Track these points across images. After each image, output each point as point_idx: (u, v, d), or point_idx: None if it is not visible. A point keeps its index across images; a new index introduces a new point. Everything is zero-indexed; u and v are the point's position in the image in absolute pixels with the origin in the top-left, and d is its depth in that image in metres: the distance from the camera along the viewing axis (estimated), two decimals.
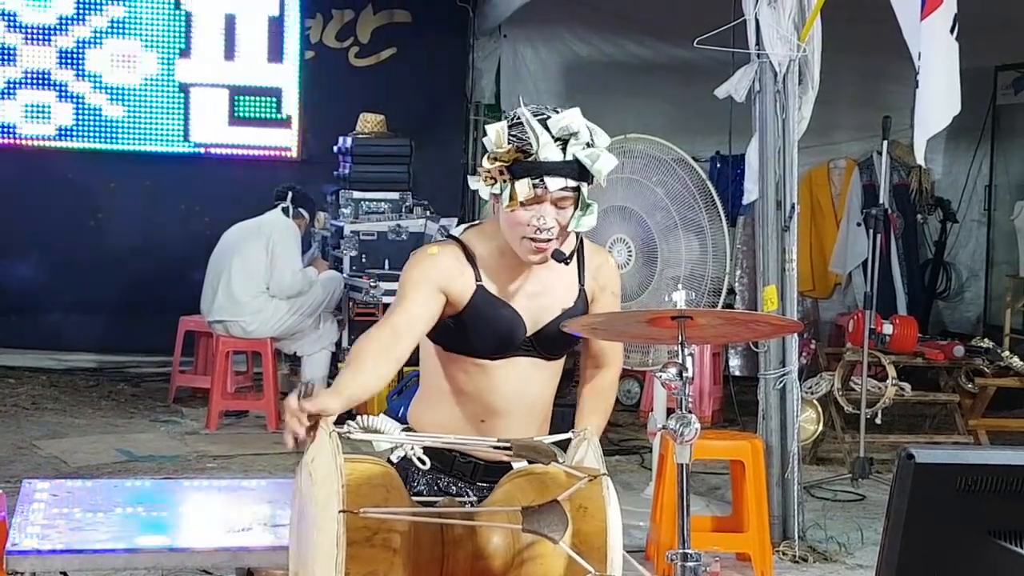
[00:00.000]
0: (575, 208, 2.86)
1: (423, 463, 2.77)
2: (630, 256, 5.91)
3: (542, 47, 9.92)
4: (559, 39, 9.92)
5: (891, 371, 6.98)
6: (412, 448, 2.75)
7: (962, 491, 1.79)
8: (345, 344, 7.91)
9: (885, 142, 6.83)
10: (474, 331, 2.92)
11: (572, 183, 2.83)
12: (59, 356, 9.08)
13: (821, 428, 6.79)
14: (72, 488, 4.18)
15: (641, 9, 9.39)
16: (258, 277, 7.60)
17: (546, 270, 2.95)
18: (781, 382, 5.59)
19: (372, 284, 7.67)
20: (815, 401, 6.86)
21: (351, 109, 8.58)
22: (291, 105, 9.27)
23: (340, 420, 2.67)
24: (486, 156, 2.87)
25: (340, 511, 2.44)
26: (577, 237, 3.02)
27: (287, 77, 9.28)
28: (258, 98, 9.26)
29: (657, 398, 5.99)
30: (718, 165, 9.44)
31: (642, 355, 5.90)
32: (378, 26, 9.64)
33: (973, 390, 7.52)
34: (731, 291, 7.77)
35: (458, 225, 3.33)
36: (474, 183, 2.92)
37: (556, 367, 3.05)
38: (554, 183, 2.81)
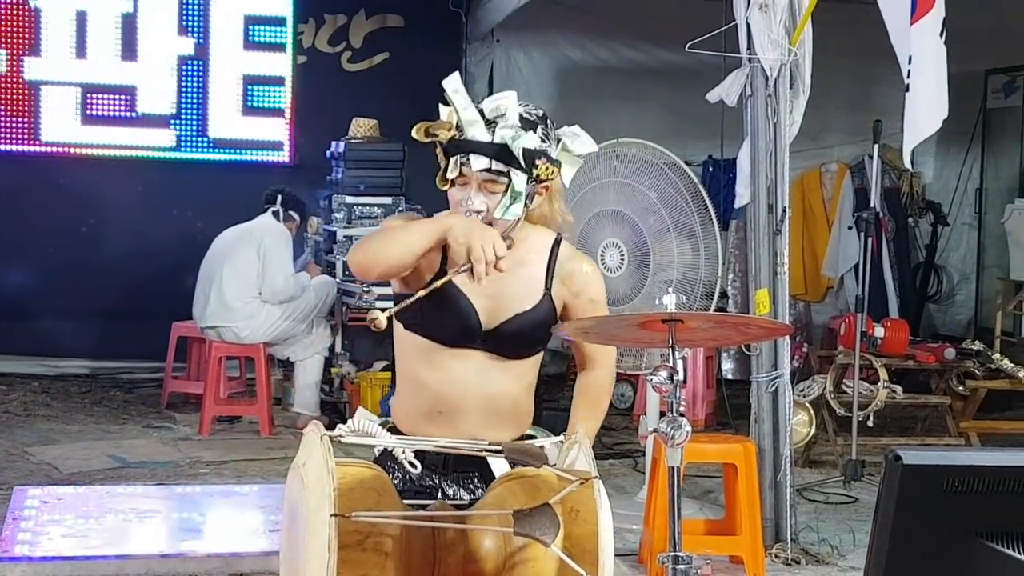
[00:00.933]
0: (504, 195, 2.87)
1: (414, 467, 2.78)
2: (622, 260, 5.92)
3: (535, 52, 9.93)
4: (552, 44, 9.93)
5: (883, 374, 6.99)
6: (404, 452, 2.76)
7: (949, 492, 1.79)
8: (338, 349, 7.91)
9: (876, 146, 6.85)
10: (433, 314, 2.93)
11: (499, 166, 2.84)
12: (51, 362, 9.06)
13: (813, 431, 6.79)
14: (64, 495, 4.19)
15: (633, 14, 9.40)
16: (250, 282, 7.59)
17: (507, 271, 2.93)
18: (773, 385, 5.60)
19: (365, 289, 7.67)
20: (807, 404, 6.87)
21: (344, 114, 8.58)
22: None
23: (331, 425, 2.68)
24: (418, 127, 2.89)
25: (332, 515, 2.44)
26: (554, 239, 3.02)
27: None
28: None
29: (650, 402, 5.99)
30: (710, 169, 9.45)
31: (635, 359, 5.91)
32: (371, 31, 9.64)
33: (964, 392, 7.53)
34: (723, 295, 7.77)
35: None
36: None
37: (523, 367, 3.03)
38: (477, 162, 2.84)
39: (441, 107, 2.88)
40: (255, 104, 9.24)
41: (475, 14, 9.54)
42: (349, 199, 8.19)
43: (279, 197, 7.83)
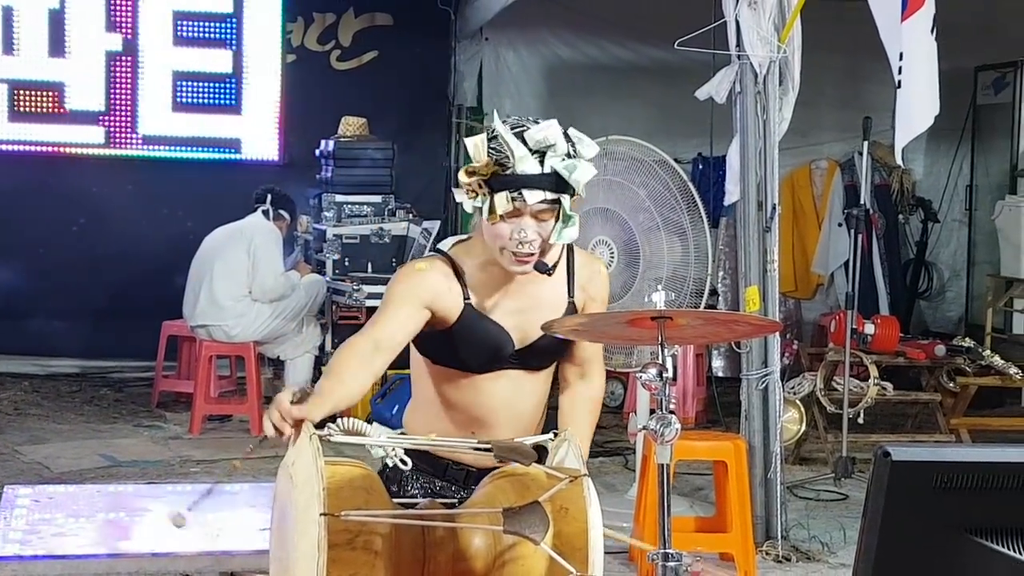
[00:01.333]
0: (556, 220, 2.86)
1: (405, 464, 2.78)
2: (612, 258, 5.92)
3: (524, 50, 9.93)
4: (541, 42, 9.93)
5: (873, 371, 7.00)
6: (393, 450, 2.76)
7: (939, 488, 1.80)
8: (328, 348, 7.90)
9: (866, 143, 6.85)
10: (462, 346, 2.93)
11: (551, 195, 2.82)
12: (41, 362, 9.05)
13: (804, 428, 6.80)
14: (54, 494, 4.18)
15: (622, 11, 9.41)
16: (240, 281, 7.59)
17: (533, 284, 2.95)
18: (764, 382, 5.60)
19: (355, 287, 7.67)
20: (798, 401, 6.87)
21: (333, 112, 8.58)
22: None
23: (321, 423, 2.67)
24: (463, 169, 2.86)
25: (321, 514, 2.44)
26: (565, 247, 3.02)
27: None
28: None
29: (640, 399, 5.99)
30: (700, 166, 9.46)
31: (625, 356, 5.91)
32: (360, 29, 9.63)
33: (955, 389, 7.54)
34: (713, 292, 7.78)
35: (440, 231, 3.35)
36: (459, 196, 2.91)
37: (545, 376, 3.07)
38: (532, 196, 2.81)
39: (469, 143, 2.85)
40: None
41: (464, 12, 9.54)
42: (339, 197, 8.19)
43: (269, 196, 7.83)
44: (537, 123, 2.86)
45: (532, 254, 2.86)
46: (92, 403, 8.39)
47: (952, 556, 1.81)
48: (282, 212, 7.87)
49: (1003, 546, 1.81)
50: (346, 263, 8.01)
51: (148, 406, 8.25)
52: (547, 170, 2.81)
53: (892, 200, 10.01)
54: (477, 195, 2.83)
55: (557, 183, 2.82)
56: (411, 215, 8.25)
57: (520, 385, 2.99)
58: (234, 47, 9.14)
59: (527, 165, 2.80)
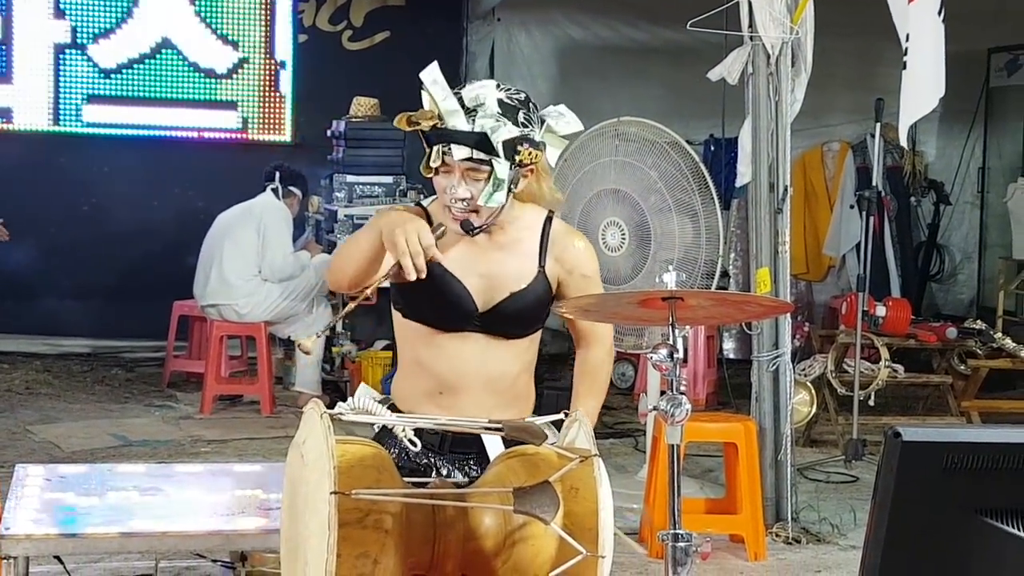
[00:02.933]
0: (487, 182, 2.87)
1: (414, 444, 2.78)
2: (623, 239, 5.91)
3: (536, 30, 9.90)
4: (553, 22, 9.90)
5: (884, 353, 6.99)
6: (404, 430, 2.76)
7: (949, 469, 1.79)
8: (339, 328, 7.91)
9: (878, 124, 6.82)
10: (426, 300, 2.95)
11: (479, 154, 2.84)
12: (53, 341, 9.08)
13: (814, 410, 6.80)
14: (66, 473, 4.19)
15: None
16: (250, 260, 7.60)
17: (501, 250, 2.96)
18: (774, 364, 5.60)
19: None
20: (808, 383, 6.87)
21: (345, 93, 8.57)
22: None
23: (332, 403, 2.68)
24: (405, 117, 2.88)
25: (332, 492, 2.45)
26: (546, 218, 3.03)
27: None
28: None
29: (650, 380, 5.99)
30: (712, 148, 9.43)
31: (636, 338, 5.91)
32: (371, 9, 9.62)
33: (966, 372, 7.53)
34: (725, 274, 7.76)
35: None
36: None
37: (520, 347, 3.03)
38: (459, 151, 2.84)
39: (423, 95, 2.89)
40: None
41: None
42: (350, 178, 8.18)
43: (278, 174, 7.81)
44: (526, 99, 2.90)
45: (464, 211, 2.89)
46: (103, 383, 8.42)
47: (962, 536, 1.81)
48: (292, 189, 7.87)
49: (1013, 526, 1.81)
50: None
51: (159, 386, 8.27)
52: (477, 129, 2.84)
53: (904, 182, 9.97)
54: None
55: (487, 145, 2.84)
56: (422, 195, 8.24)
57: (487, 351, 2.97)
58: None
59: (456, 120, 2.84)
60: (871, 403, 6.91)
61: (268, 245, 7.58)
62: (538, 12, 9.81)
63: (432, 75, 2.88)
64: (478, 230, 2.93)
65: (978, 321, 7.86)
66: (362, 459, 2.63)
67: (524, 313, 2.97)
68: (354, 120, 8.32)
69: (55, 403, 7.78)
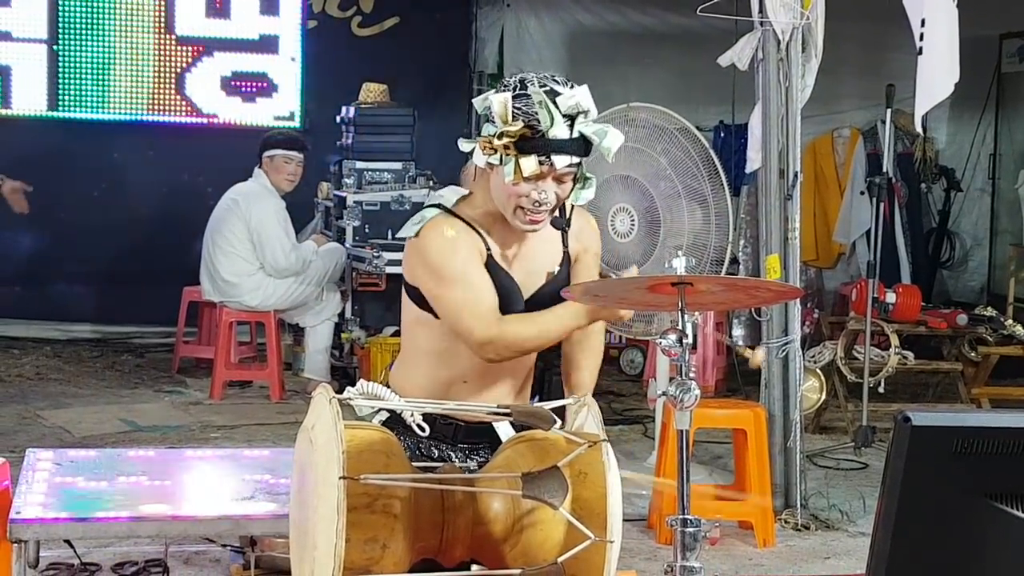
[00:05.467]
0: (575, 182, 2.88)
1: (423, 430, 2.79)
2: (633, 225, 5.90)
3: (545, 16, 9.88)
4: (562, 8, 9.88)
5: (894, 340, 6.98)
6: (412, 415, 2.76)
7: (958, 454, 1.79)
8: (348, 315, 7.91)
9: (889, 111, 6.81)
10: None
11: (577, 159, 2.84)
12: (63, 327, 9.09)
13: (824, 397, 6.78)
14: (75, 457, 4.20)
15: None
16: (246, 257, 7.51)
17: (533, 237, 2.96)
18: (784, 351, 5.59)
19: (375, 254, 7.65)
20: (818, 370, 6.85)
21: (354, 79, 8.56)
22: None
23: (340, 387, 2.68)
24: (489, 128, 2.83)
25: (340, 477, 2.45)
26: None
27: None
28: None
29: (659, 366, 5.99)
30: (722, 134, 9.41)
31: (645, 324, 5.90)
32: None
33: (976, 359, 7.52)
34: (734, 260, 7.75)
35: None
36: (466, 145, 2.90)
37: None
38: (561, 161, 2.82)
39: (494, 97, 2.82)
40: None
41: None
42: (359, 164, 8.17)
43: (260, 158, 7.65)
44: (566, 84, 2.85)
45: (546, 212, 2.87)
46: (113, 368, 8.43)
47: (971, 521, 1.81)
48: (271, 153, 7.55)
49: (1022, 511, 1.80)
50: (366, 230, 8.00)
51: (169, 371, 8.29)
52: (575, 135, 2.82)
53: (915, 169, 9.95)
54: (496, 152, 2.82)
55: (586, 148, 2.84)
56: (431, 182, 8.24)
57: None
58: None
59: (559, 131, 2.80)
60: (881, 390, 6.90)
61: (264, 245, 7.48)
62: None
63: (532, 90, 2.82)
64: (561, 223, 2.97)
65: (988, 308, 7.84)
66: (371, 444, 2.63)
67: (557, 293, 2.98)
68: (364, 106, 8.31)
69: (65, 388, 7.80)
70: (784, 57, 5.57)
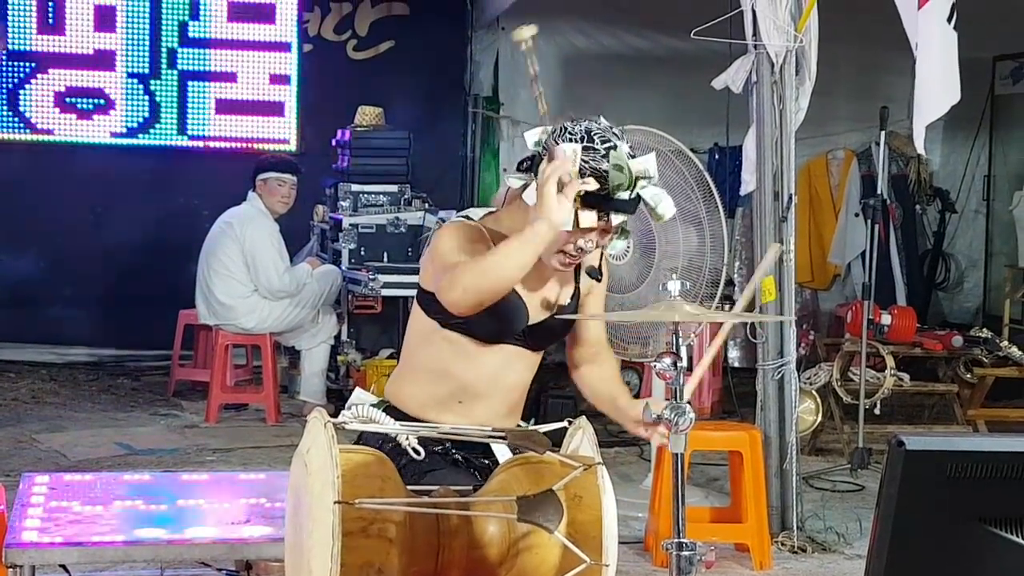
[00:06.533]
0: (614, 232, 2.95)
1: (418, 453, 2.79)
2: (628, 247, 5.90)
3: (540, 39, 9.81)
4: (557, 31, 9.90)
5: (890, 361, 6.98)
6: (407, 439, 2.76)
7: (953, 478, 1.79)
8: (344, 337, 7.91)
9: (883, 132, 6.83)
10: (484, 313, 2.92)
11: (627, 218, 2.93)
12: (59, 350, 9.08)
13: (820, 419, 6.79)
14: (71, 481, 4.19)
15: (638, 0, 9.39)
16: (239, 279, 7.53)
17: (551, 271, 3.02)
18: (779, 373, 5.59)
19: (371, 277, 7.66)
20: (814, 392, 6.86)
21: (349, 102, 8.58)
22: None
23: (335, 412, 2.68)
24: (579, 193, 2.82)
25: (335, 502, 2.45)
26: None
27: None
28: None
29: (655, 389, 5.99)
30: (716, 156, 9.43)
31: (641, 346, 5.90)
32: (376, 19, 9.63)
33: (972, 380, 7.52)
34: (729, 282, 7.75)
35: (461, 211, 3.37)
36: (516, 181, 2.93)
37: (537, 358, 3.14)
38: (617, 219, 2.91)
39: (561, 148, 2.85)
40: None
41: (480, 2, 9.53)
42: (355, 187, 8.18)
43: (254, 181, 7.67)
44: (618, 135, 2.91)
45: (577, 259, 2.95)
46: (109, 391, 8.42)
47: (966, 545, 1.81)
48: (264, 176, 7.58)
49: (1017, 535, 1.80)
50: (362, 252, 8.01)
51: (164, 395, 8.28)
52: (634, 195, 2.89)
53: (909, 190, 9.97)
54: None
55: (635, 207, 2.92)
56: (427, 205, 8.25)
57: (515, 361, 3.05)
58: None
59: (623, 192, 2.87)
60: (876, 412, 6.90)
61: (258, 267, 7.49)
62: (542, 21, 9.74)
63: (621, 159, 2.86)
64: (598, 277, 3.04)
65: (984, 329, 7.85)
66: (366, 467, 2.63)
67: (563, 329, 3.07)
68: (359, 129, 8.32)
69: (61, 412, 7.79)
70: (778, 80, 5.58)
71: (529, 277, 2.97)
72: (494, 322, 2.97)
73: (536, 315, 3.02)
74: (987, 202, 10.19)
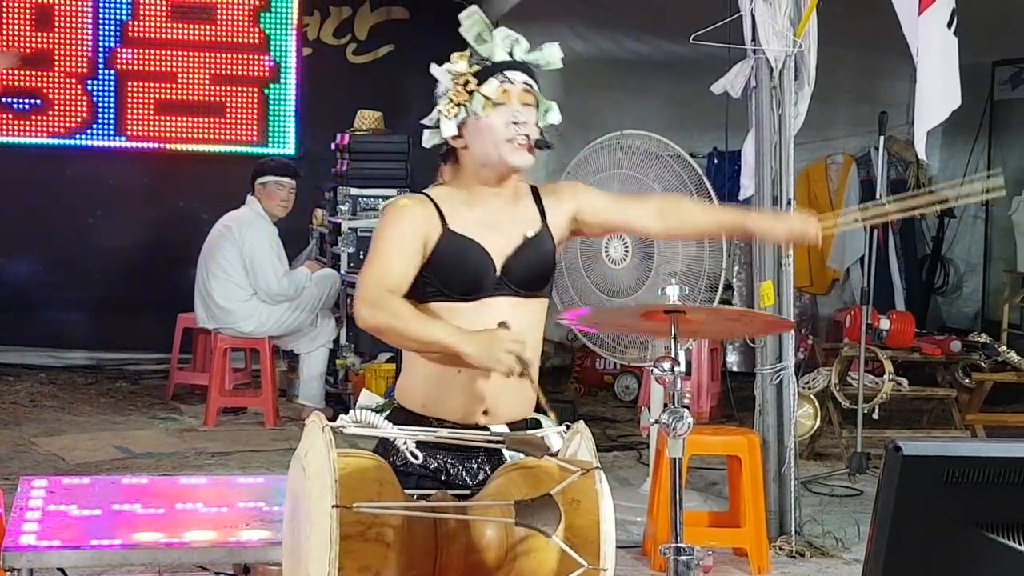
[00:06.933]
0: (537, 108, 3.05)
1: (415, 457, 2.79)
2: (627, 252, 5.91)
3: (539, 43, 9.90)
4: (556, 35, 9.87)
5: (888, 366, 6.98)
6: (405, 443, 2.76)
7: (950, 483, 1.79)
8: (343, 341, 7.91)
9: (882, 137, 6.83)
10: (444, 272, 2.96)
11: (531, 80, 3.05)
12: (57, 354, 9.08)
13: (818, 423, 6.79)
14: (69, 485, 4.19)
15: (638, 5, 9.39)
16: (238, 283, 7.53)
17: (507, 204, 3.05)
18: (778, 377, 5.59)
19: None
20: (812, 396, 6.86)
21: (349, 106, 8.58)
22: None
23: (334, 416, 2.68)
24: (450, 93, 3.07)
25: (333, 506, 2.45)
26: (530, 188, 3.14)
27: None
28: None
29: (653, 394, 5.99)
30: (715, 161, 9.44)
31: (640, 350, 5.91)
32: (376, 23, 9.64)
33: (970, 385, 7.52)
34: (728, 287, 7.76)
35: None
36: (431, 138, 3.12)
37: (538, 306, 3.05)
38: (517, 76, 3.03)
39: (454, 56, 3.10)
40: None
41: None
42: (354, 191, 8.18)
43: (253, 185, 7.68)
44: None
45: (528, 136, 3.00)
46: (107, 395, 8.42)
47: (962, 550, 1.81)
48: (263, 180, 7.59)
49: (1014, 540, 1.81)
50: (361, 256, 7.99)
51: (163, 398, 8.28)
52: (519, 59, 3.06)
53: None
54: (459, 107, 3.02)
55: (531, 71, 3.07)
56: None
57: (508, 312, 2.95)
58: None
59: (501, 54, 3.05)
60: (875, 416, 6.90)
61: (256, 271, 7.50)
62: (542, 25, 9.80)
63: (473, 28, 3.08)
64: (548, 144, 3.06)
65: (982, 334, 7.85)
66: (364, 471, 2.63)
67: (541, 261, 3.03)
68: (358, 133, 8.33)
69: (59, 415, 7.79)
70: (777, 85, 5.59)
71: (478, 221, 3.00)
72: (463, 276, 2.96)
73: (502, 254, 2.98)
74: (986, 207, 10.19)
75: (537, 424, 2.99)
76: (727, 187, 8.02)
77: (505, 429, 2.90)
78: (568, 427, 2.87)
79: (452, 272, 2.95)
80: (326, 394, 7.88)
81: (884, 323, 7.22)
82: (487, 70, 3.03)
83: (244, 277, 7.55)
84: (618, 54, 9.91)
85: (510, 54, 3.05)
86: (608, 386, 8.77)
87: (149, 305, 8.79)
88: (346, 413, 2.80)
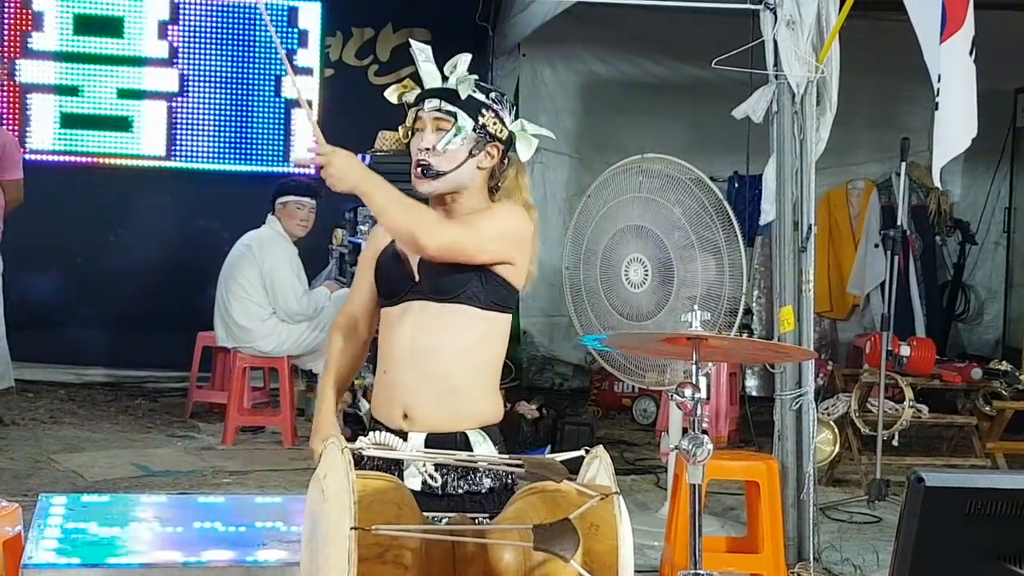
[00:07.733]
0: (449, 132, 3.12)
1: (434, 480, 2.79)
2: (646, 275, 5.91)
3: (560, 66, 9.93)
4: (577, 58, 9.93)
5: (908, 393, 6.95)
6: (424, 466, 2.76)
7: (972, 515, 1.79)
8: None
9: (903, 163, 6.82)
10: (377, 273, 3.21)
11: (448, 107, 3.10)
12: (77, 370, 9.11)
13: (837, 449, 6.76)
14: (88, 502, 4.20)
15: (659, 29, 9.41)
16: (258, 302, 7.54)
17: (449, 217, 3.17)
18: (797, 403, 5.58)
19: None
20: (831, 422, 6.83)
21: (370, 126, 8.60)
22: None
23: (354, 436, 2.69)
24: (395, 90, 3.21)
25: (352, 528, 2.45)
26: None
27: None
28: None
29: (672, 418, 5.98)
30: (735, 185, 9.43)
31: (658, 374, 5.90)
32: (398, 44, 9.67)
33: (991, 413, 7.48)
34: (748, 311, 7.74)
35: None
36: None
37: (456, 323, 3.08)
38: (430, 103, 3.12)
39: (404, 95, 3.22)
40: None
41: (501, 28, 9.56)
42: None
43: (273, 204, 7.71)
44: (503, 95, 3.25)
45: (428, 165, 3.11)
46: (126, 412, 8.44)
47: None
48: (284, 200, 7.62)
49: None
50: None
51: (182, 416, 8.29)
52: (449, 85, 3.14)
53: (929, 221, 9.95)
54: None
55: (454, 96, 3.13)
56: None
57: (423, 320, 3.06)
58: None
59: (431, 79, 3.16)
60: (895, 443, 6.87)
61: (276, 290, 7.51)
62: (563, 48, 9.84)
63: (418, 46, 3.20)
64: (434, 173, 3.12)
65: (1003, 362, 7.80)
66: (382, 494, 2.63)
67: (450, 269, 3.06)
68: (379, 154, 8.34)
69: (78, 432, 7.80)
70: (799, 110, 5.59)
71: None
72: (384, 277, 3.17)
73: (414, 257, 3.11)
74: (1007, 234, 10.16)
75: (466, 441, 2.99)
76: (747, 211, 8.04)
77: (422, 437, 2.97)
78: (587, 451, 2.87)
79: (380, 272, 3.20)
80: (344, 414, 7.87)
81: (904, 349, 7.19)
82: (415, 100, 3.16)
83: (264, 296, 7.56)
84: (639, 77, 9.92)
85: (444, 79, 3.14)
86: (626, 409, 8.76)
87: (169, 323, 8.81)
88: (364, 433, 2.81)
